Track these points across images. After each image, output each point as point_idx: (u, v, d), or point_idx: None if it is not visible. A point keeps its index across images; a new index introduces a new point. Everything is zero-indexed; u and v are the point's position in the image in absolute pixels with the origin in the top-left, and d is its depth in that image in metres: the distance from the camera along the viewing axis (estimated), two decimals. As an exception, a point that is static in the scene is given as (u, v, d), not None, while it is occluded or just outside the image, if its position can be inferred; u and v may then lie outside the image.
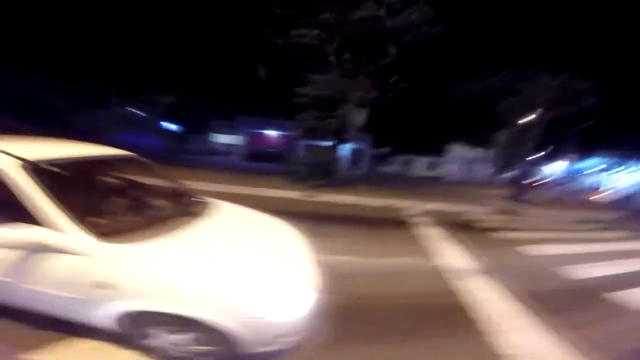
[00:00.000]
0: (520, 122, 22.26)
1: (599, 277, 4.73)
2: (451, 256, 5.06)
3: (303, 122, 14.64)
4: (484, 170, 32.61)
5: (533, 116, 22.51)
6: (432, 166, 34.40)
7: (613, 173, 35.50)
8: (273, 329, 1.94)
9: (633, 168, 34.25)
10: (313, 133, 14.65)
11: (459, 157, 34.10)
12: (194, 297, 1.85)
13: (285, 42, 13.13)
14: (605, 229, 9.35)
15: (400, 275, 4.06)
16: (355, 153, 28.31)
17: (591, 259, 5.63)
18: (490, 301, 3.52)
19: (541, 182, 28.89)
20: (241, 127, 27.19)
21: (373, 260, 4.51)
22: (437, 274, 4.26)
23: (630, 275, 4.99)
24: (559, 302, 3.73)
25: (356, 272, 3.99)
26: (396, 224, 7.23)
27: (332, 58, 13.01)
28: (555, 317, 3.30)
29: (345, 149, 25.14)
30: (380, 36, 12.52)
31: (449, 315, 3.16)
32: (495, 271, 4.51)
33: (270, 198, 8.94)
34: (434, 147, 34.21)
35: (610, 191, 28.26)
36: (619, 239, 7.84)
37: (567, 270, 4.89)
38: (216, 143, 30.14)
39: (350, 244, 5.19)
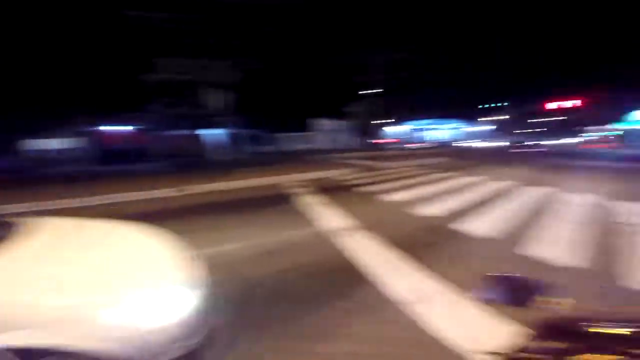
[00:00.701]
0: (366, 93, 25.60)
1: (447, 212, 5.77)
2: (331, 218, 5.45)
3: (158, 111, 12.99)
4: (347, 139, 36.55)
5: (378, 90, 26.13)
6: (302, 140, 36.37)
7: (440, 129, 46.83)
8: (154, 338, 1.71)
9: (452, 125, 47.41)
10: (172, 122, 13.20)
11: (326, 130, 37.11)
12: (32, 325, 1.50)
13: (127, 27, 11.09)
14: (437, 171, 11.84)
15: (288, 248, 4.13)
16: (225, 137, 27.11)
17: (433, 198, 6.98)
18: (370, 251, 3.91)
19: (391, 141, 34.03)
20: (83, 127, 22.23)
21: (257, 240, 4.43)
22: (322, 238, 4.49)
23: (465, 207, 6.37)
24: (419, 238, 4.50)
25: (242, 256, 3.84)
26: (276, 199, 7.33)
27: (182, 41, 11.72)
28: (419, 251, 3.94)
29: (214, 135, 23.80)
30: (233, 16, 11.92)
31: (340, 274, 3.33)
32: (366, 222, 5.09)
33: (130, 202, 7.70)
34: (303, 123, 36.15)
35: (435, 141, 36.88)
36: (447, 178, 10.03)
37: (419, 209, 5.93)
38: (44, 150, 23.95)
39: (232, 229, 4.98)
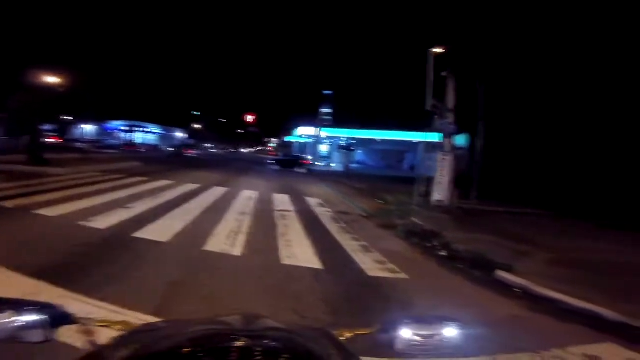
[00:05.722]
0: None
1: (123, 221, 5.09)
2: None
3: None
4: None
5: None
6: None
7: (136, 132, 42.58)
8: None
9: (149, 129, 44.18)
10: None
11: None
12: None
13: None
14: (126, 176, 10.56)
15: None
16: None
17: (113, 206, 5.99)
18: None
19: (58, 141, 26.41)
20: None
21: None
22: None
23: (148, 214, 5.74)
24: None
25: None
26: None
27: None
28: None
29: None
30: None
31: None
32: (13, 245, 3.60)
33: None
34: None
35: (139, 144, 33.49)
36: (135, 184, 9.11)
37: (91, 222, 4.86)
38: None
39: None
